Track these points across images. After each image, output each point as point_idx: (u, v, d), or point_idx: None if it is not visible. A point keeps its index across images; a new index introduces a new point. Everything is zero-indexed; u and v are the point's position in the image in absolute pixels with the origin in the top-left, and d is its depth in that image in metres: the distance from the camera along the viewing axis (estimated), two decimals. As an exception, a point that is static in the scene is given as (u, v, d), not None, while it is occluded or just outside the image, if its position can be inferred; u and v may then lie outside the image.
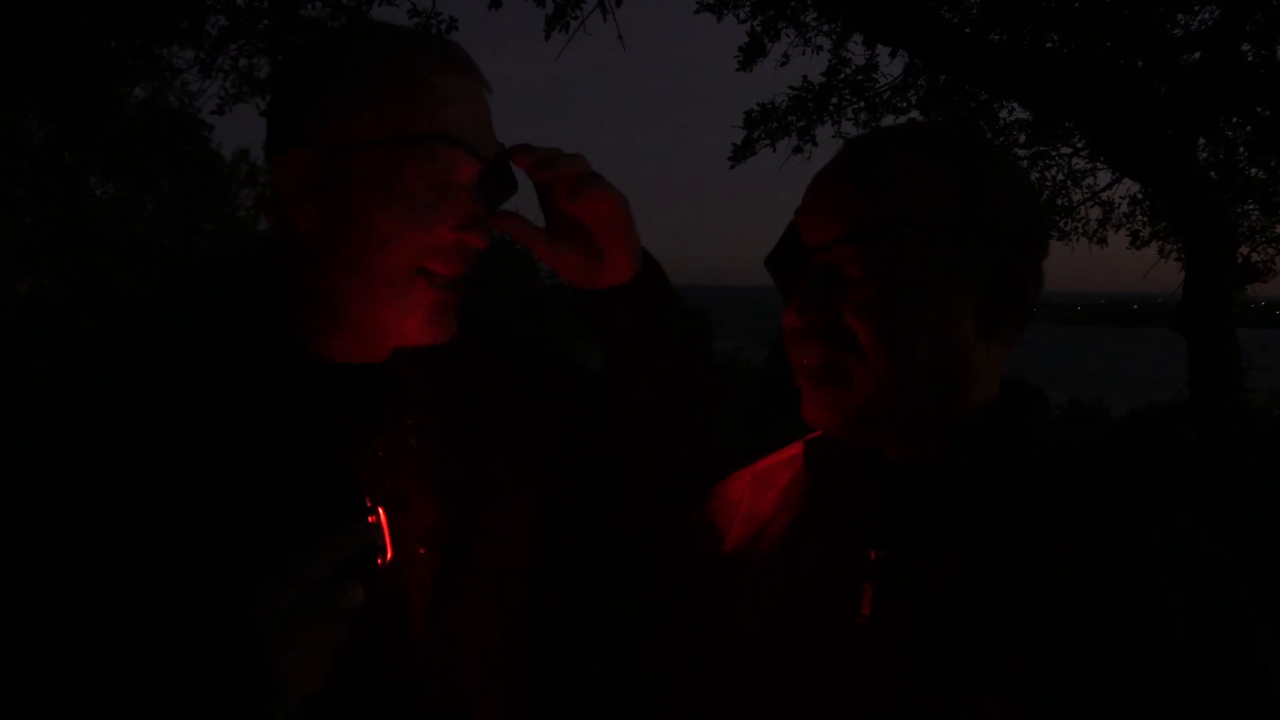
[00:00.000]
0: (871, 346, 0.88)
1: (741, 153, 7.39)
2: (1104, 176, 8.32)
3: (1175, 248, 8.64)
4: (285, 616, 0.83)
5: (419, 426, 1.05)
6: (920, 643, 0.86)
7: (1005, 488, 0.89)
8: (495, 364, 1.15)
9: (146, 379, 0.96)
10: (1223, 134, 6.95)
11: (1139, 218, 8.87)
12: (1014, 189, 0.94)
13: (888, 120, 7.26)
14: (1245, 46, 5.87)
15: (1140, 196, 8.52)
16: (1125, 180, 7.66)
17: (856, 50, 7.08)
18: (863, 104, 7.22)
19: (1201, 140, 6.70)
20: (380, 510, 0.91)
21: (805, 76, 7.11)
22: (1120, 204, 8.82)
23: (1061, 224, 8.68)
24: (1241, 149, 7.16)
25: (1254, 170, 7.28)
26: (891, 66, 7.23)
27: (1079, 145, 7.79)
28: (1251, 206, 7.77)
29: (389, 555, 0.90)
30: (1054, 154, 8.20)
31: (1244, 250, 8.03)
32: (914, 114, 7.30)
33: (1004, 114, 7.63)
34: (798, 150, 7.26)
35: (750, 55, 6.99)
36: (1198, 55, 5.97)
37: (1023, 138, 7.88)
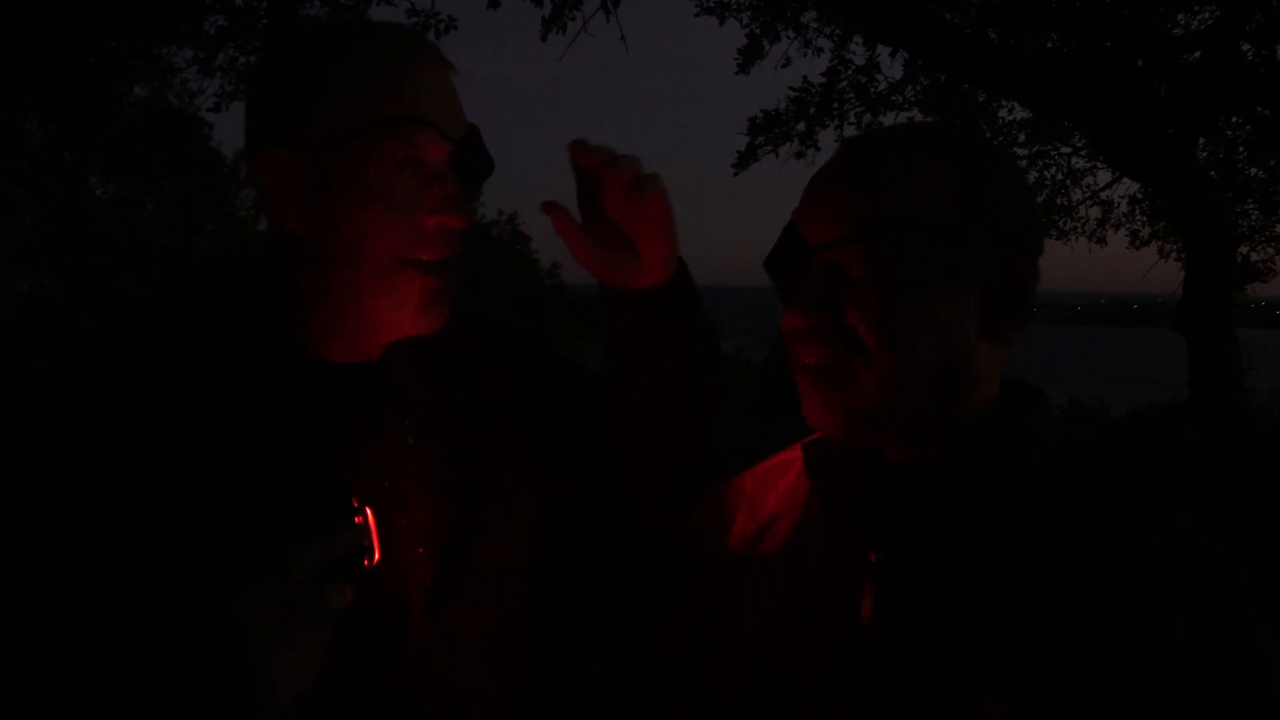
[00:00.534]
0: (875, 346, 0.88)
1: (745, 159, 7.39)
2: (1104, 176, 8.33)
3: (1175, 248, 8.64)
4: (272, 617, 0.83)
5: (417, 426, 1.05)
6: (921, 643, 0.86)
7: (1006, 488, 0.89)
8: (494, 363, 1.15)
9: (145, 379, 0.96)
10: (1223, 134, 6.95)
11: (1139, 217, 8.87)
12: (1013, 189, 0.95)
13: (888, 120, 7.26)
14: (1245, 46, 5.87)
15: (1140, 196, 8.52)
16: (1125, 180, 7.66)
17: (857, 51, 7.08)
18: (864, 105, 7.22)
19: (1201, 140, 6.70)
20: (368, 511, 0.91)
21: (805, 77, 7.11)
22: (1120, 203, 8.82)
23: (1061, 223, 8.68)
24: (1241, 149, 7.16)
25: (1254, 170, 7.28)
26: (892, 67, 7.23)
27: (1079, 145, 7.79)
28: (1251, 206, 7.77)
29: (376, 556, 0.91)
30: (1054, 154, 8.20)
31: (1244, 250, 8.03)
32: (914, 113, 7.30)
33: (1004, 114, 7.64)
34: (800, 155, 7.27)
35: (749, 58, 6.99)
36: (1198, 55, 5.97)
37: (1022, 138, 7.88)
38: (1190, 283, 5.39)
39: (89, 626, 0.87)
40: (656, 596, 1.13)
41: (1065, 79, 5.28)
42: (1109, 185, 8.46)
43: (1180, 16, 6.15)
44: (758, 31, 6.82)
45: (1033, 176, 8.32)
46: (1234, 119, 6.70)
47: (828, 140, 7.35)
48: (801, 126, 7.12)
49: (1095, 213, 8.77)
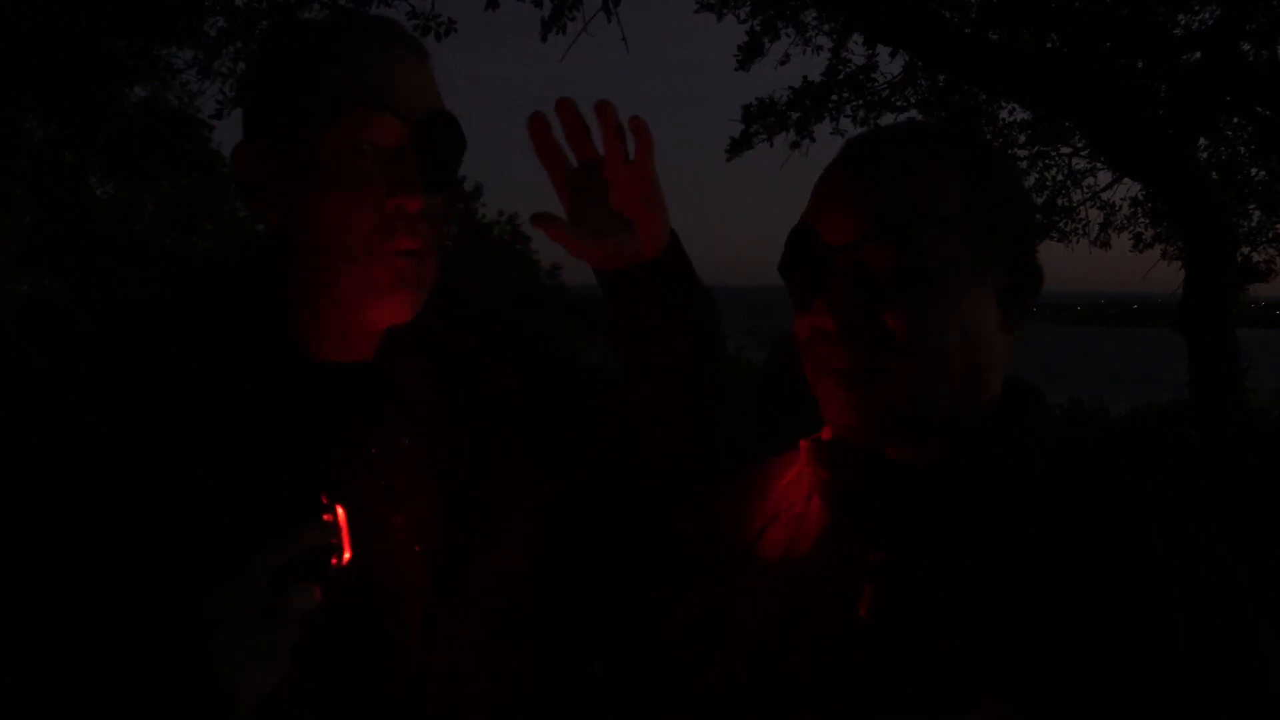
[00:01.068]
0: (912, 345, 0.87)
1: (739, 146, 7.38)
2: (1104, 177, 8.33)
3: (1177, 249, 8.64)
4: (233, 618, 0.82)
5: (414, 425, 1.05)
6: (921, 643, 0.86)
7: (1006, 488, 0.89)
8: (494, 362, 1.15)
9: (144, 379, 0.96)
10: (1223, 134, 6.95)
11: (1141, 220, 8.87)
12: (1014, 183, 0.97)
13: (886, 119, 7.26)
14: (1245, 46, 5.87)
15: (1141, 198, 8.51)
16: (1126, 180, 7.66)
17: (856, 50, 7.08)
18: (861, 103, 7.22)
19: (1202, 140, 6.69)
20: (339, 509, 0.89)
21: (805, 77, 7.11)
22: (1122, 206, 8.81)
23: (1062, 225, 8.67)
24: (1242, 149, 7.16)
25: (1254, 170, 7.28)
26: (891, 66, 7.22)
27: (1079, 145, 7.79)
28: (1252, 207, 7.77)
29: (346, 556, 0.89)
30: (1054, 154, 8.19)
31: (1244, 250, 8.03)
32: (913, 113, 7.30)
33: (1004, 114, 7.63)
34: (795, 146, 7.26)
35: (749, 55, 6.99)
36: (1198, 55, 5.96)
37: (1023, 138, 7.88)
38: (1190, 283, 5.39)
39: (89, 626, 0.87)
40: (656, 596, 1.13)
41: (1065, 79, 5.28)
42: (1109, 186, 8.46)
43: (1180, 16, 6.15)
44: (758, 29, 6.81)
45: (1033, 178, 8.32)
46: (1234, 119, 6.70)
47: (824, 134, 7.34)
48: (797, 115, 7.11)
49: (1098, 216, 8.77)
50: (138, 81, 7.64)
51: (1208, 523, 0.86)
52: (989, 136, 7.70)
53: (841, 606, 0.91)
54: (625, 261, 1.08)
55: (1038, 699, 0.80)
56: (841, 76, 7.07)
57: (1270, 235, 8.37)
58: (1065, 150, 8.10)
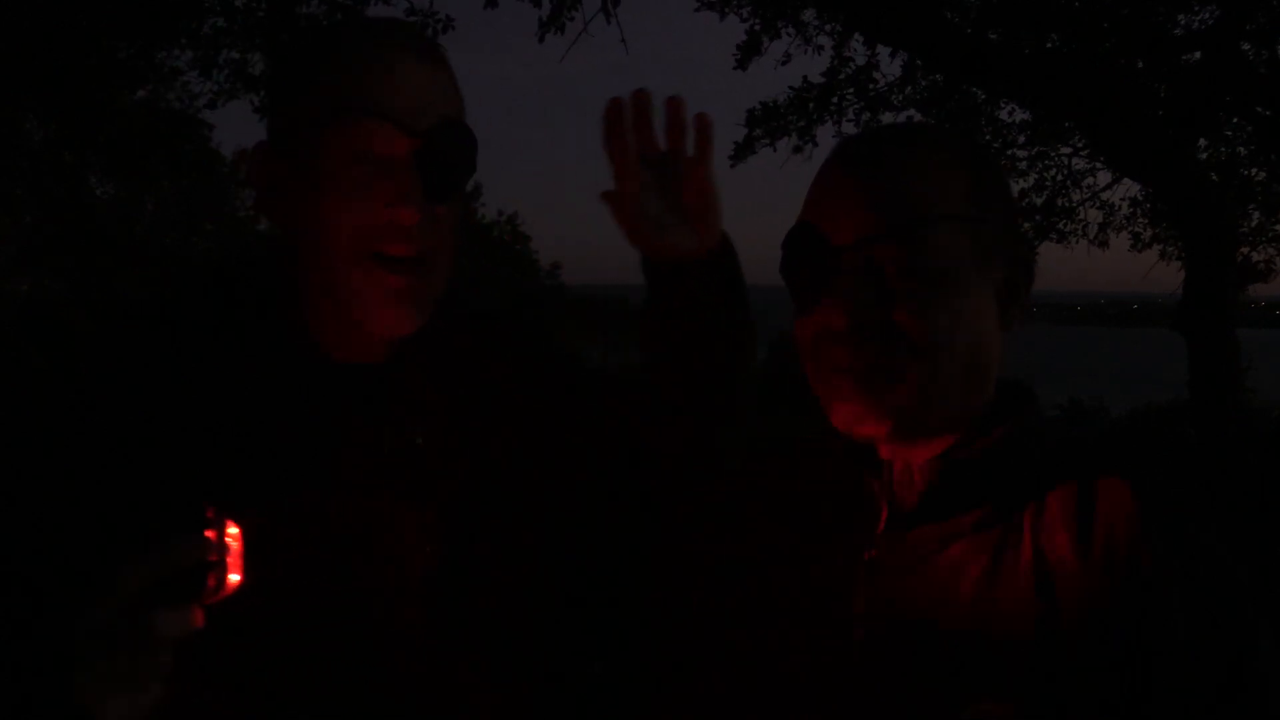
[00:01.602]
0: (922, 342, 0.88)
1: (743, 151, 7.39)
2: (1104, 177, 8.33)
3: (1176, 249, 8.64)
4: (94, 639, 0.77)
5: (418, 425, 1.05)
6: (918, 643, 0.86)
7: (1004, 487, 0.89)
8: (495, 363, 1.15)
9: (143, 379, 0.96)
10: (1223, 134, 6.95)
11: (1140, 220, 8.87)
12: (1005, 181, 0.98)
13: (887, 118, 7.26)
14: (1245, 46, 5.87)
15: (1141, 198, 8.52)
16: (1125, 181, 7.66)
17: (857, 50, 7.08)
18: (863, 103, 7.22)
19: (1202, 140, 6.70)
20: (232, 526, 0.82)
21: (805, 77, 7.11)
22: (1121, 206, 8.82)
23: (1061, 225, 8.68)
24: (1242, 149, 7.16)
25: (1254, 170, 7.28)
26: (892, 66, 7.22)
27: (1079, 146, 7.79)
28: (1252, 207, 7.77)
29: (234, 579, 0.82)
30: (1054, 155, 8.20)
31: (1244, 250, 8.03)
32: (912, 113, 7.30)
33: (1004, 114, 7.63)
34: (798, 150, 7.26)
35: (747, 54, 6.99)
36: (1198, 55, 5.97)
37: (1022, 139, 7.88)
38: (1190, 283, 5.40)
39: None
40: (657, 596, 1.13)
41: (1065, 79, 5.28)
42: (1109, 186, 8.47)
43: (1180, 16, 6.16)
44: (758, 28, 6.81)
45: (1033, 178, 8.33)
46: (1234, 119, 6.70)
47: (826, 136, 7.35)
48: (800, 121, 7.12)
49: (1096, 216, 8.77)
50: (139, 83, 7.65)
51: (1207, 522, 0.86)
52: (989, 136, 7.71)
53: (839, 607, 0.91)
54: (675, 255, 1.08)
55: (1036, 698, 0.80)
56: (843, 77, 7.07)
57: (1269, 235, 8.37)
58: (1065, 150, 8.10)
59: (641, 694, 1.07)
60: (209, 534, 0.80)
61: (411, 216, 0.95)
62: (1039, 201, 8.46)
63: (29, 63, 6.16)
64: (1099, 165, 7.98)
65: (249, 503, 0.93)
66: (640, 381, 1.20)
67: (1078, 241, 8.82)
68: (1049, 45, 6.11)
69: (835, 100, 7.16)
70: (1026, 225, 8.52)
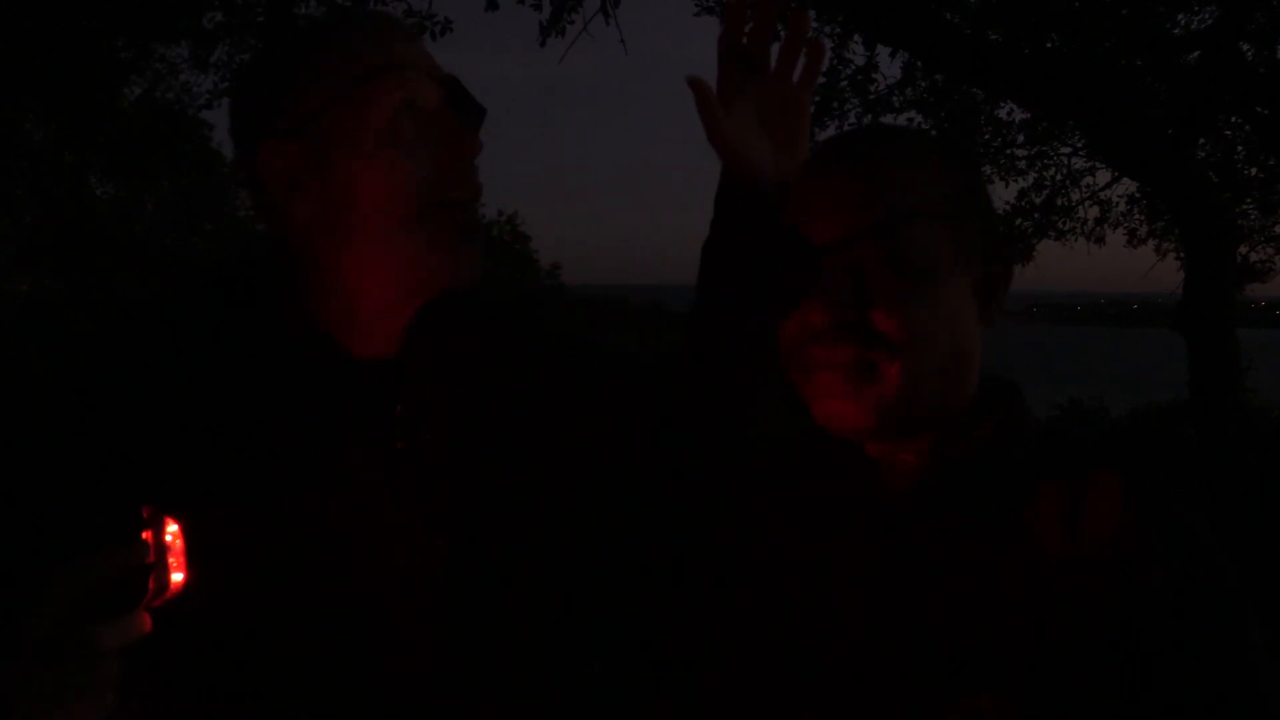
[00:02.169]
0: (901, 339, 0.89)
1: None
2: (1103, 176, 8.33)
3: (1172, 246, 8.65)
4: (35, 651, 0.75)
5: (424, 422, 1.05)
6: (917, 641, 0.86)
7: (994, 482, 0.90)
8: (492, 361, 1.15)
9: (143, 379, 0.96)
10: (1222, 134, 6.96)
11: (1136, 216, 8.88)
12: (981, 180, 1.00)
13: (887, 119, 7.26)
14: (1245, 46, 5.87)
15: (1138, 195, 8.52)
16: (1124, 180, 7.66)
17: (857, 51, 7.08)
18: (863, 106, 7.22)
19: (1201, 140, 6.70)
20: (171, 524, 0.79)
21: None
22: (1118, 203, 8.82)
23: (1060, 224, 8.68)
24: (1241, 148, 7.17)
25: (1253, 170, 7.29)
26: (891, 67, 7.23)
27: (1078, 145, 7.79)
28: (1250, 206, 7.78)
29: (177, 578, 0.79)
30: (1053, 154, 8.20)
31: (1243, 250, 8.03)
32: (913, 114, 7.30)
33: (1003, 114, 7.64)
34: None
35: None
36: (1198, 55, 5.97)
37: (1022, 138, 7.88)
38: (1190, 283, 5.40)
39: None
40: (657, 596, 1.13)
41: (1065, 79, 5.28)
42: (1108, 185, 8.47)
43: (1180, 16, 6.16)
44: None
45: (1032, 177, 8.33)
46: (1234, 119, 6.70)
47: (826, 137, 7.33)
48: None
49: (1093, 212, 8.78)
50: (135, 74, 7.65)
51: (1200, 518, 0.86)
52: (988, 136, 7.71)
53: (838, 606, 0.91)
54: (751, 172, 1.09)
55: (1034, 696, 0.80)
56: (844, 81, 7.07)
57: (1269, 235, 8.38)
58: (1064, 150, 8.10)
59: (641, 694, 1.07)
60: (146, 535, 0.77)
61: (473, 148, 1.00)
62: (1038, 200, 8.47)
63: (29, 63, 6.16)
64: (1098, 165, 7.98)
65: (246, 501, 0.93)
66: (670, 355, 1.21)
67: (1076, 239, 8.83)
68: (1049, 45, 6.11)
69: (836, 104, 7.16)
70: (1026, 224, 8.54)
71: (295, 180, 0.98)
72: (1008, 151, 8.00)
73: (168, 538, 0.79)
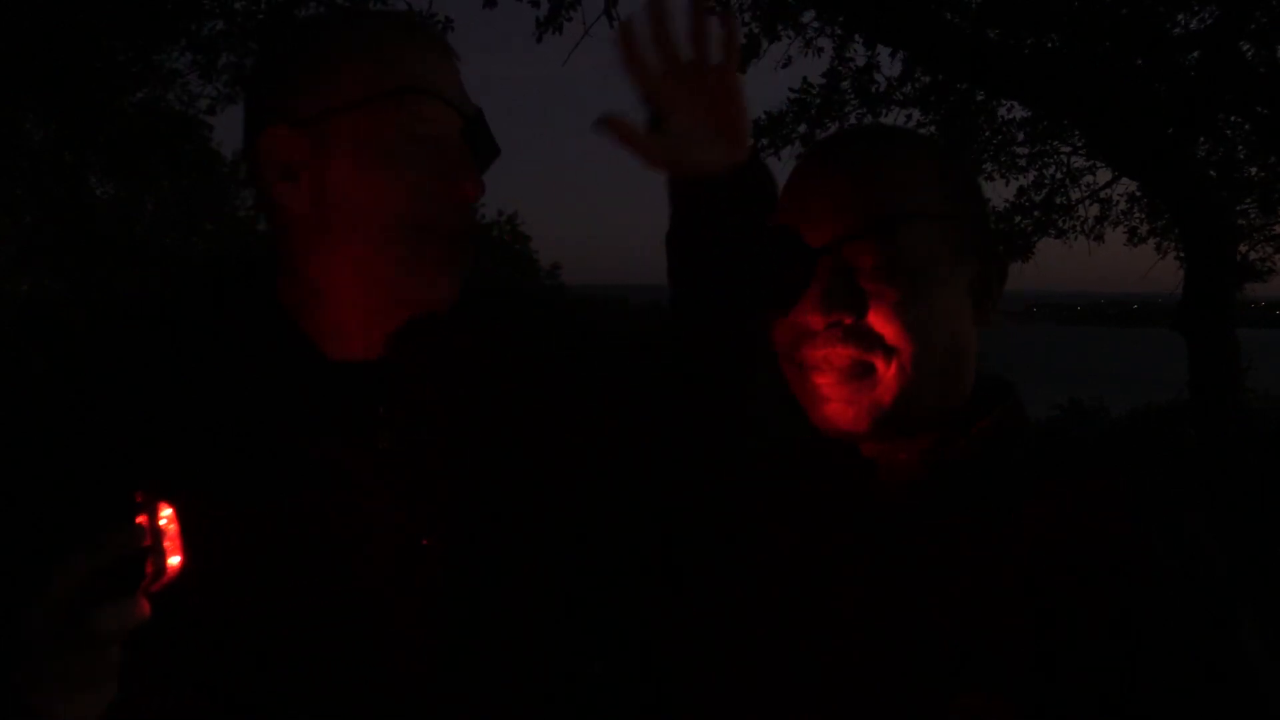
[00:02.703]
0: (897, 339, 0.89)
1: None
2: (1103, 175, 8.33)
3: (1172, 245, 8.65)
4: (38, 643, 0.75)
5: (424, 420, 1.05)
6: (916, 641, 0.86)
7: (991, 482, 0.90)
8: (492, 361, 1.15)
9: (142, 379, 0.96)
10: (1222, 133, 6.95)
11: (1136, 215, 8.87)
12: (975, 180, 1.00)
13: (887, 117, 7.27)
14: (1245, 46, 5.87)
15: (1138, 194, 8.51)
16: (1123, 178, 7.66)
17: (857, 52, 7.07)
18: (864, 106, 7.22)
19: (1201, 140, 6.70)
20: (164, 508, 0.79)
21: (806, 78, 7.11)
22: (1118, 201, 8.82)
23: (1060, 223, 8.67)
24: (1241, 148, 7.16)
25: (1253, 169, 7.28)
26: (892, 67, 7.23)
27: (1078, 144, 7.79)
28: (1250, 205, 7.77)
29: (174, 561, 0.79)
30: (1053, 153, 8.19)
31: (1243, 250, 8.03)
32: (913, 112, 7.30)
33: (1003, 113, 7.63)
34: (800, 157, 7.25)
35: (746, 56, 6.97)
36: (1198, 55, 5.96)
37: (1022, 137, 7.88)
38: (1190, 283, 5.39)
39: None
40: (657, 596, 1.13)
41: (1065, 79, 5.28)
42: (1108, 184, 8.46)
43: (1180, 16, 6.15)
44: (757, 31, 6.80)
45: (1032, 176, 8.33)
46: (1234, 119, 6.70)
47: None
48: (803, 129, 7.11)
49: (1093, 210, 8.77)
50: (138, 86, 7.65)
51: (1196, 516, 0.86)
52: (988, 134, 7.71)
53: (837, 606, 0.91)
54: (703, 172, 1.04)
55: (1032, 694, 0.80)
56: (845, 82, 7.07)
57: (1269, 234, 8.37)
58: (1064, 149, 8.10)
59: (641, 694, 1.07)
60: (140, 519, 0.77)
61: (475, 190, 1.00)
62: (1038, 198, 8.47)
63: (29, 63, 6.16)
64: (1098, 164, 7.98)
65: (225, 497, 0.93)
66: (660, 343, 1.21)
67: (1076, 238, 8.83)
68: (1049, 45, 6.11)
69: (837, 104, 7.15)
70: (1025, 222, 8.54)
71: (289, 168, 0.97)
72: (1008, 149, 8.00)
73: (162, 521, 0.79)
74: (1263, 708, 0.80)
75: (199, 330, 1.00)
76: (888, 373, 0.90)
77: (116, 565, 0.76)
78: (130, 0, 5.90)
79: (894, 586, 0.89)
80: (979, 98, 7.22)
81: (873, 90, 7.12)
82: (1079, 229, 8.80)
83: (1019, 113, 7.56)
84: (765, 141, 7.18)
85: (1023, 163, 8.20)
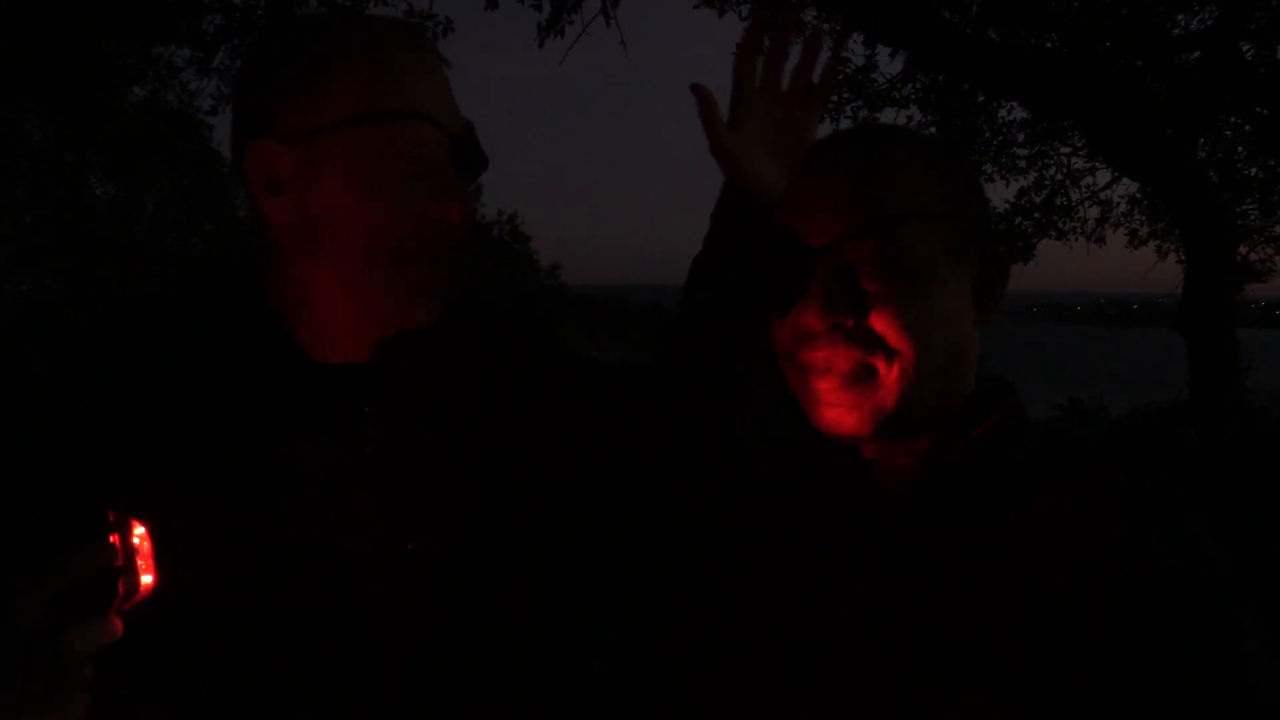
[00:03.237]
0: (898, 341, 0.88)
1: None
2: (1103, 176, 8.33)
3: (1173, 246, 8.65)
4: (8, 660, 0.74)
5: (411, 425, 1.05)
6: (916, 641, 0.86)
7: (991, 483, 0.90)
8: (494, 362, 1.15)
9: (140, 379, 0.96)
10: (1222, 134, 6.95)
11: (1137, 216, 8.87)
12: (976, 180, 0.99)
13: (887, 115, 7.27)
14: (1245, 46, 5.87)
15: (1139, 195, 8.51)
16: (1124, 179, 7.66)
17: (856, 51, 7.07)
18: (861, 102, 7.22)
19: (1201, 140, 6.69)
20: (138, 526, 0.79)
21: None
22: (1119, 203, 8.82)
23: (1060, 224, 8.67)
24: (1241, 149, 7.16)
25: (1253, 170, 7.28)
26: (891, 65, 7.22)
27: (1078, 145, 7.79)
28: (1250, 206, 7.77)
29: (146, 581, 0.79)
30: (1053, 154, 8.19)
31: (1243, 250, 8.02)
32: (912, 111, 7.30)
33: (1004, 114, 7.63)
34: None
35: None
36: (1198, 55, 5.96)
37: (1022, 137, 7.88)
38: (1190, 283, 5.39)
39: None
40: (657, 596, 1.13)
41: (1065, 79, 5.28)
42: (1109, 185, 8.46)
43: (1180, 16, 6.15)
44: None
45: (1032, 176, 8.33)
46: (1234, 119, 6.70)
47: (823, 135, 7.32)
48: None
49: (1094, 212, 8.77)
50: (137, 82, 7.64)
51: (1196, 515, 0.86)
52: (989, 135, 7.71)
53: (837, 607, 0.91)
54: (754, 184, 1.13)
55: (1033, 695, 0.80)
56: (841, 78, 7.07)
57: (1269, 235, 8.37)
58: (1064, 150, 8.10)
59: (641, 694, 1.07)
60: (113, 538, 0.77)
61: (460, 215, 0.99)
62: (1038, 200, 8.46)
63: (29, 63, 6.15)
64: (1098, 165, 7.98)
65: (211, 500, 0.93)
66: (656, 365, 1.22)
67: (1076, 239, 8.83)
68: (1049, 45, 6.11)
69: (834, 100, 7.15)
70: (1026, 223, 8.54)
71: (274, 183, 0.96)
72: (1008, 150, 8.00)
73: (135, 540, 0.79)
74: (1263, 708, 0.80)
75: (189, 332, 1.00)
76: (889, 376, 0.89)
77: (88, 584, 0.76)
78: (130, -1, 5.90)
79: (894, 587, 0.89)
80: (979, 99, 7.22)
81: (871, 89, 7.12)
82: (1079, 231, 8.80)
83: (1019, 114, 7.56)
84: None
85: (1023, 164, 8.20)
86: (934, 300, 0.89)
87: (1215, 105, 6.04)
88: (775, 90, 1.14)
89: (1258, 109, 6.09)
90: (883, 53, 6.98)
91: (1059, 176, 8.36)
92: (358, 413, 1.02)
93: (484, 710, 1.05)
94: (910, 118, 7.27)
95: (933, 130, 7.21)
